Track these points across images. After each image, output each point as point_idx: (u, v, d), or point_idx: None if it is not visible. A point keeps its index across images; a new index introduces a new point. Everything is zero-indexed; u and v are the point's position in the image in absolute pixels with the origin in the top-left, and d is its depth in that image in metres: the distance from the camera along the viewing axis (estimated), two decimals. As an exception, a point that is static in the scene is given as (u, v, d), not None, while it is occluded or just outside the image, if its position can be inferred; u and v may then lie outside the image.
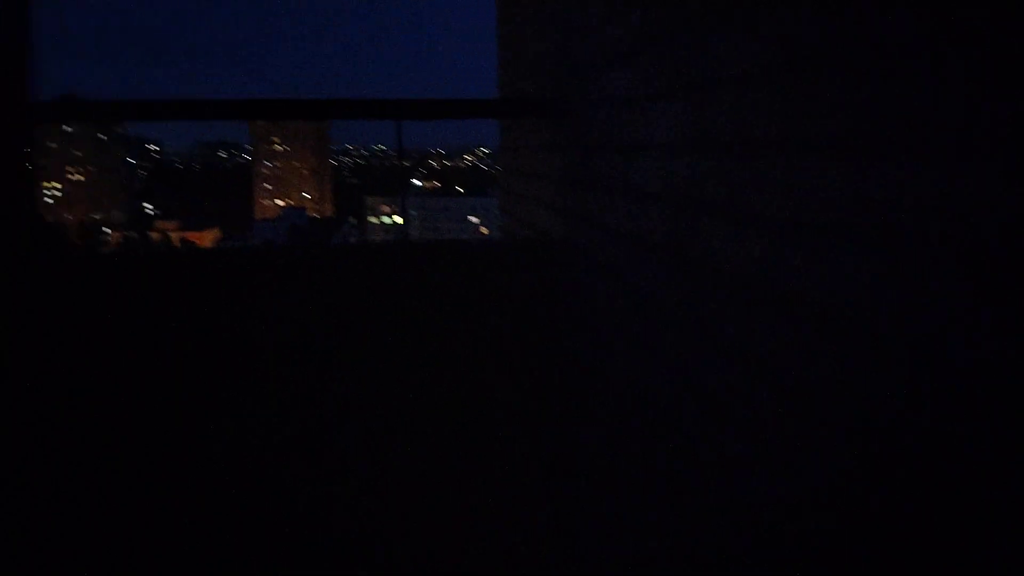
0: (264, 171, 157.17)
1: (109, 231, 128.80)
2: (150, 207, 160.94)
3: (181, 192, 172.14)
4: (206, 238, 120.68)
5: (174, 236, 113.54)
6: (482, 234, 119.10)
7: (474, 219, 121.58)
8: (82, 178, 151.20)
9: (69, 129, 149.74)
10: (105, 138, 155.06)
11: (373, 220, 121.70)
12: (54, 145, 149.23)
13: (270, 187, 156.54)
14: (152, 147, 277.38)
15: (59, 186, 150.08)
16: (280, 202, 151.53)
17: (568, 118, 3.05)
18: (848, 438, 1.03)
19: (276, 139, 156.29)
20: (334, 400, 3.01)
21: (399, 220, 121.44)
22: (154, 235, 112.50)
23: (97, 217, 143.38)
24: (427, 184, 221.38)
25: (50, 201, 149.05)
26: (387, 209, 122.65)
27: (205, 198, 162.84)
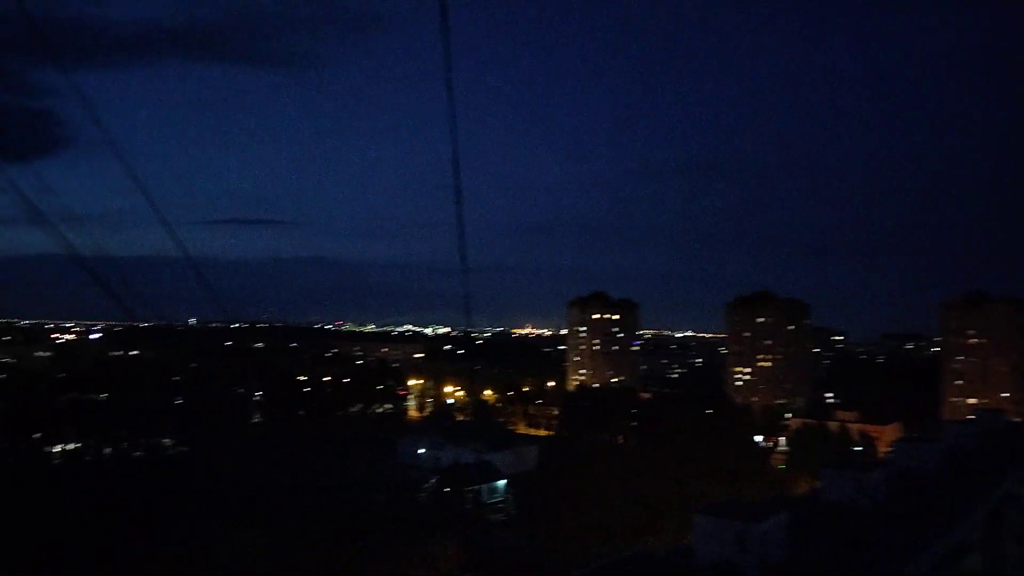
0: (955, 366, 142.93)
1: (790, 415, 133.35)
2: (831, 396, 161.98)
3: (863, 383, 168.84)
4: (886, 433, 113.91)
5: (853, 428, 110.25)
6: None
7: None
8: (769, 364, 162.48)
9: (762, 320, 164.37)
10: (793, 328, 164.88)
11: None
12: (748, 334, 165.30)
13: (961, 383, 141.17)
14: (837, 337, 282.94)
15: (749, 371, 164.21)
16: (972, 400, 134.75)
17: None
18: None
19: (971, 332, 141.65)
20: None
21: None
22: (832, 424, 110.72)
23: (781, 402, 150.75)
24: None
25: (739, 384, 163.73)
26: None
27: (888, 391, 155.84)
